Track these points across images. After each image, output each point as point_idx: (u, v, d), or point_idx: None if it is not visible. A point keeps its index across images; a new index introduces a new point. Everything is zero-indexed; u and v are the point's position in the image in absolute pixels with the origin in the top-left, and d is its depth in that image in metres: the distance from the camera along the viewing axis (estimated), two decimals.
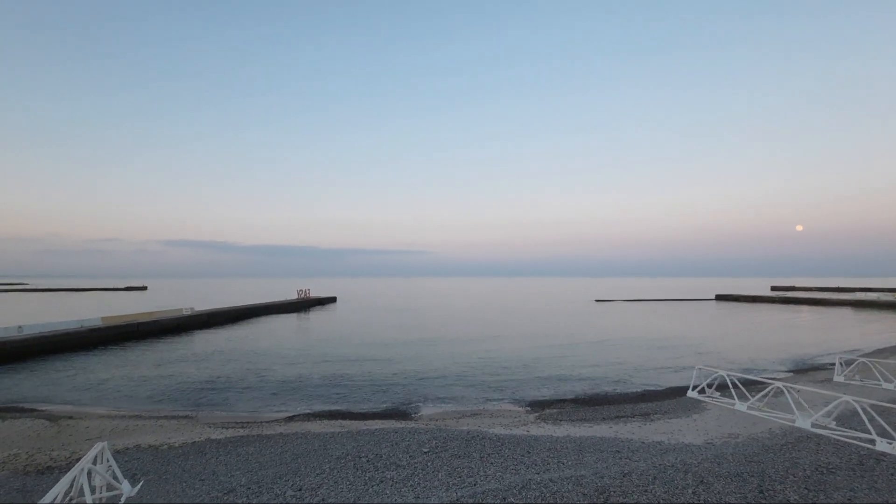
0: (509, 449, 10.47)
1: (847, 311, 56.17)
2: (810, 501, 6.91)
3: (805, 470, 8.21)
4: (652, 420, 14.19)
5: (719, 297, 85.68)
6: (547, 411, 16.06)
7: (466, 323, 47.47)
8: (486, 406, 17.05)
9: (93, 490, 4.30)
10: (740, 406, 8.56)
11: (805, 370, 21.58)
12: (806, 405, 7.72)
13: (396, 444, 10.91)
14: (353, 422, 14.66)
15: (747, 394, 8.68)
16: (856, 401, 6.85)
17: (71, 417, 15.12)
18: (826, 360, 24.56)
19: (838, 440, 9.18)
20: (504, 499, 7.03)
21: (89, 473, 4.18)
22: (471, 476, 8.70)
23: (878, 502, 6.88)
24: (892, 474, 7.86)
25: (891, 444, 6.36)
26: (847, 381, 10.56)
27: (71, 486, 3.96)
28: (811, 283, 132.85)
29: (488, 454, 10.06)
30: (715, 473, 8.13)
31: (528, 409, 16.62)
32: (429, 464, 9.47)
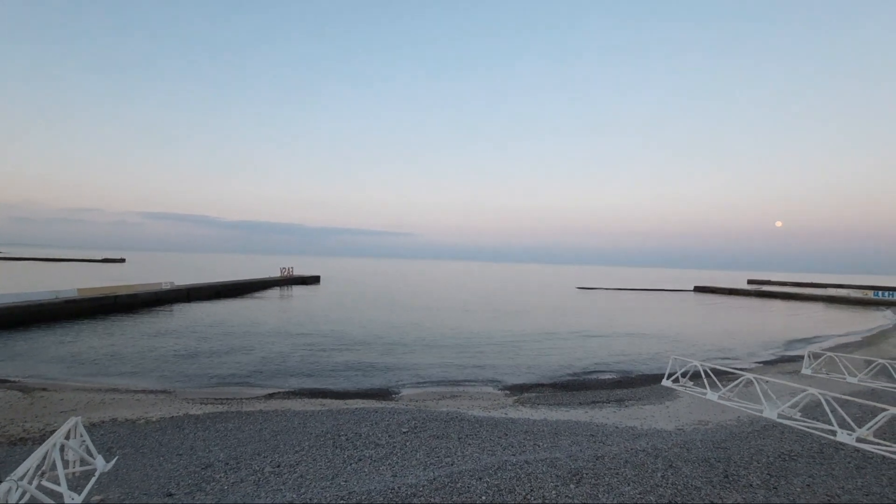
0: (487, 431, 10.67)
1: (819, 307, 58.06)
2: (772, 486, 7.24)
3: (768, 457, 8.58)
4: (626, 406, 14.60)
5: (698, 289, 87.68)
6: (525, 395, 16.37)
7: (449, 306, 47.75)
8: (466, 388, 17.28)
9: (66, 465, 4.23)
10: (711, 395, 8.90)
11: (775, 361, 22.37)
12: (774, 396, 8.04)
13: (376, 423, 11.02)
14: (333, 400, 14.72)
15: (719, 384, 9.04)
16: (821, 393, 7.16)
17: (45, 389, 14.85)
18: (795, 352, 25.48)
19: (802, 430, 9.59)
20: (480, 479, 7.19)
21: (62, 448, 4.10)
22: (448, 456, 8.85)
23: (835, 488, 7.25)
24: (848, 463, 8.27)
25: (850, 434, 6.72)
26: (814, 374, 11.06)
27: (43, 460, 3.88)
28: (786, 278, 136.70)
29: (466, 435, 10.24)
30: (683, 458, 8.43)
31: (507, 392, 16.91)
32: (407, 443, 9.60)
